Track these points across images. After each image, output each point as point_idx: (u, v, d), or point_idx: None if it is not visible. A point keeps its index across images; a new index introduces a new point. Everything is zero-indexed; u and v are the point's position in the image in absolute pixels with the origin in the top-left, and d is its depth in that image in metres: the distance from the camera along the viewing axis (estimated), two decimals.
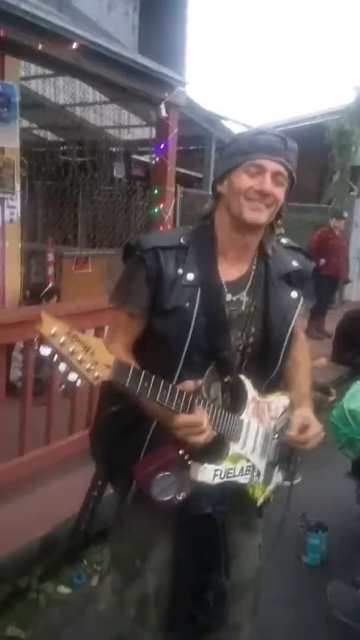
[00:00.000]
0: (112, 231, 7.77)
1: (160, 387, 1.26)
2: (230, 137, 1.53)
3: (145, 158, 7.19)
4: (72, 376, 1.15)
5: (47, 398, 3.14)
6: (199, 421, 1.30)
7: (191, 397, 1.31)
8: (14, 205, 4.87)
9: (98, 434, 1.62)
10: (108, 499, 1.71)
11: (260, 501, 1.55)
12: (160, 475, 1.36)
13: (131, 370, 1.21)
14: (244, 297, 1.50)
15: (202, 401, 1.34)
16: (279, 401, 1.57)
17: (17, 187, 4.89)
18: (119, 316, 1.51)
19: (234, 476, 1.46)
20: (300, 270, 1.58)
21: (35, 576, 2.55)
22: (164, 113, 4.08)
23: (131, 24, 4.33)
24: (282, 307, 1.52)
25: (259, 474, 1.52)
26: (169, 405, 1.28)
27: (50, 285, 4.95)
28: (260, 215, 1.42)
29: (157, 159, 4.88)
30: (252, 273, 1.52)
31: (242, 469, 1.48)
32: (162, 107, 4.05)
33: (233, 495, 1.51)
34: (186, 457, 1.37)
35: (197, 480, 1.38)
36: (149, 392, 1.24)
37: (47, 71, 5.54)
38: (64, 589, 2.61)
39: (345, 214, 7.73)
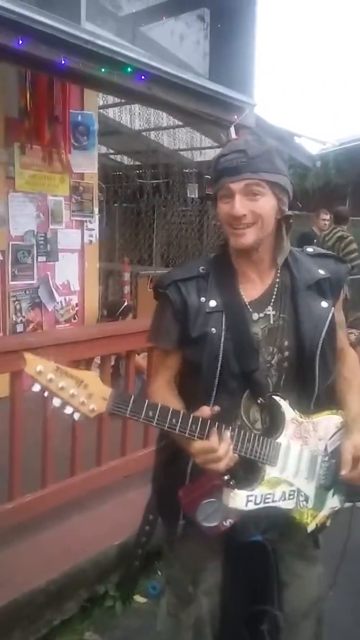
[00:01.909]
0: (186, 250, 7.94)
1: (169, 415, 1.27)
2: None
3: None
4: (68, 409, 1.20)
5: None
6: (215, 447, 1.28)
7: (208, 423, 1.30)
8: (93, 228, 5.12)
9: (154, 469, 1.65)
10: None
11: (311, 527, 1.48)
12: (205, 501, 1.36)
13: (131, 401, 1.24)
14: (270, 311, 1.47)
15: (222, 427, 1.31)
16: (328, 421, 1.50)
17: (96, 210, 5.14)
18: (157, 353, 1.58)
19: (274, 501, 1.40)
20: (329, 278, 1.51)
21: (112, 583, 2.65)
22: (233, 135, 4.18)
23: (202, 51, 4.47)
24: (313, 317, 1.46)
25: (306, 499, 1.46)
26: (182, 432, 1.28)
27: (126, 303, 5.13)
28: (244, 238, 1.40)
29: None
30: (276, 285, 1.49)
31: (283, 493, 1.42)
32: (232, 129, 4.15)
33: (282, 522, 1.46)
34: (231, 481, 1.36)
35: (229, 506, 1.36)
36: (155, 420, 1.26)
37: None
38: (139, 598, 2.67)
39: None
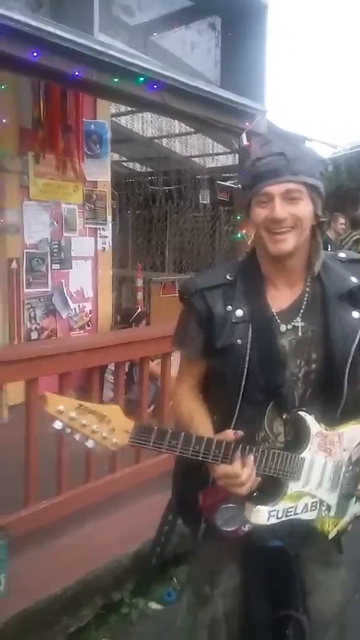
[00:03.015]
0: (198, 256, 7.96)
1: (193, 442, 1.28)
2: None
3: (229, 183, 7.33)
4: (90, 443, 1.23)
5: (137, 417, 3.27)
6: (238, 473, 1.28)
7: (231, 447, 1.29)
8: (106, 235, 5.16)
9: (174, 474, 1.65)
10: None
11: (332, 534, 1.48)
12: (224, 506, 1.36)
13: (154, 432, 1.25)
14: (299, 322, 1.42)
15: (246, 450, 1.31)
16: (354, 431, 1.48)
17: (109, 217, 5.18)
18: (181, 359, 1.56)
19: (295, 514, 1.40)
20: None
21: (127, 590, 2.65)
22: (245, 142, 4.19)
23: (213, 59, 4.50)
24: (343, 328, 1.41)
25: (329, 508, 1.45)
26: (205, 458, 1.29)
27: (139, 310, 5.16)
28: (285, 244, 1.36)
29: (239, 185, 4.99)
30: (306, 295, 1.44)
31: (305, 506, 1.41)
32: (244, 136, 4.17)
33: (303, 530, 1.45)
34: (254, 494, 1.36)
35: (250, 521, 1.37)
36: (179, 449, 1.27)
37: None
38: (155, 605, 2.68)
39: None
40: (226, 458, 1.29)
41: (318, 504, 1.43)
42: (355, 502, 1.51)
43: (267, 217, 1.35)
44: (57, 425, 1.21)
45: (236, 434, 1.32)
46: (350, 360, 1.41)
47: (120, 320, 5.05)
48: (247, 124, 4.20)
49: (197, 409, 1.47)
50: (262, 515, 1.36)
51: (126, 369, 3.60)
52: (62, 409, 1.20)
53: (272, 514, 1.36)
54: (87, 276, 5.06)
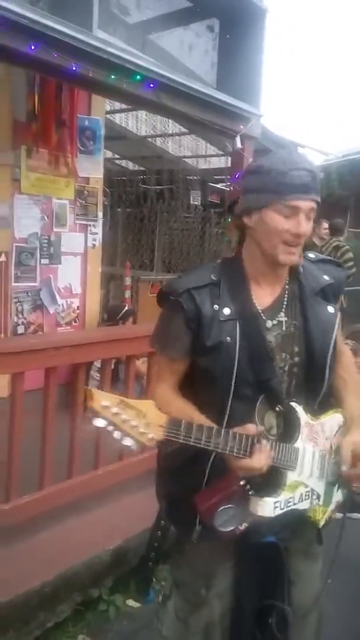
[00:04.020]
0: (187, 256, 7.97)
1: (222, 435, 1.29)
2: (256, 165, 1.46)
3: (221, 185, 7.36)
4: (127, 441, 1.21)
5: None
6: (260, 467, 1.33)
7: (251, 441, 1.32)
8: (96, 232, 5.15)
9: (158, 475, 1.64)
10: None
11: (322, 523, 1.53)
12: (224, 507, 1.37)
13: (183, 426, 1.24)
14: (282, 317, 1.50)
15: (264, 443, 1.34)
16: (333, 420, 1.56)
17: (100, 214, 5.17)
18: (161, 360, 1.55)
19: (294, 504, 1.45)
20: (332, 284, 1.56)
21: (105, 587, 2.65)
22: (239, 145, 4.21)
23: (210, 61, 4.51)
24: (321, 322, 1.51)
25: (318, 497, 1.51)
26: (230, 452, 1.30)
27: (126, 308, 5.15)
28: (295, 257, 1.44)
29: (231, 188, 5.01)
30: (286, 292, 1.52)
31: (301, 495, 1.47)
32: (238, 139, 4.18)
33: (294, 522, 1.50)
34: (247, 487, 1.39)
35: (257, 514, 1.39)
36: (203, 442, 1.27)
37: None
38: (132, 603, 2.69)
39: None
40: (246, 452, 1.32)
41: (310, 493, 1.49)
42: (337, 489, 1.57)
43: (289, 230, 1.39)
44: (100, 422, 1.19)
45: (258, 428, 1.37)
46: (330, 352, 1.51)
47: (107, 318, 5.04)
48: (242, 127, 4.22)
49: (187, 404, 1.47)
50: (269, 507, 1.40)
51: (112, 367, 3.60)
52: (108, 404, 1.19)
53: (276, 505, 1.41)
54: (76, 272, 5.05)
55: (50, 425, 2.79)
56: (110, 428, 1.20)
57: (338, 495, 1.58)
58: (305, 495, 1.48)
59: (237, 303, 1.45)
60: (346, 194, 10.18)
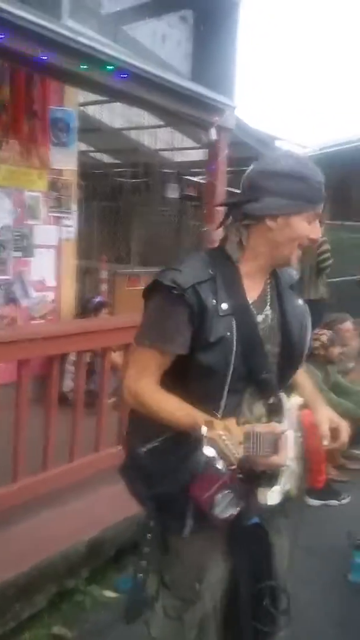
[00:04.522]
0: (164, 250, 7.96)
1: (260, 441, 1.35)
2: (288, 169, 1.47)
3: (198, 178, 7.36)
4: (219, 464, 1.25)
5: (98, 408, 3.27)
6: (284, 462, 1.42)
7: (277, 439, 1.40)
8: (71, 225, 5.11)
9: (138, 477, 1.57)
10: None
11: (295, 496, 1.60)
12: (222, 493, 1.37)
13: (252, 438, 1.30)
14: (268, 311, 1.55)
15: (283, 437, 1.42)
16: (295, 401, 1.64)
17: (74, 207, 5.12)
18: (147, 354, 1.48)
19: (285, 486, 1.52)
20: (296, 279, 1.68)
21: (82, 578, 2.66)
22: (214, 136, 4.22)
23: (184, 52, 4.51)
24: (297, 314, 1.60)
25: (293, 473, 1.57)
26: (261, 454, 1.37)
27: (98, 299, 5.12)
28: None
29: (207, 180, 5.02)
30: (268, 286, 1.58)
31: (287, 477, 1.53)
32: (213, 130, 4.19)
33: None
34: (237, 471, 1.38)
35: (267, 504, 1.45)
36: (252, 449, 1.32)
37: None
38: (109, 593, 2.69)
39: None
40: (277, 449, 1.40)
41: (291, 472, 1.55)
42: (297, 464, 1.61)
43: (309, 236, 1.48)
44: (210, 452, 1.23)
45: (281, 427, 1.45)
46: (308, 341, 1.60)
47: (81, 311, 5.01)
48: (216, 118, 4.23)
49: (181, 400, 1.45)
50: (277, 495, 1.47)
51: (87, 359, 3.59)
52: (222, 433, 1.22)
53: (280, 491, 1.48)
54: (49, 265, 5.01)
55: (23, 418, 2.77)
56: (219, 457, 1.24)
57: (300, 468, 1.63)
58: (289, 475, 1.54)
59: (232, 298, 1.46)
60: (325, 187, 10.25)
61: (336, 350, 4.22)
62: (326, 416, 1.62)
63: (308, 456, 1.61)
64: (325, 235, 6.85)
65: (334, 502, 3.70)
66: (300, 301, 1.62)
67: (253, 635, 1.58)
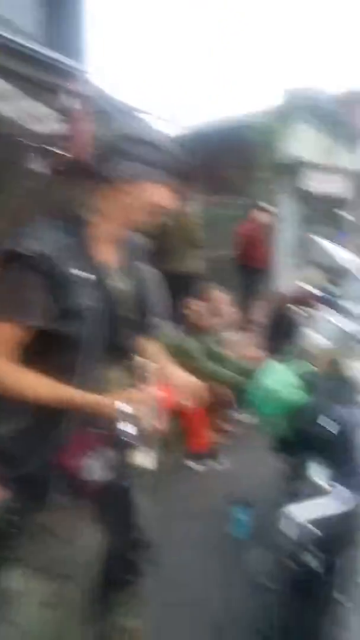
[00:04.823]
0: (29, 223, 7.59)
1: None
2: (151, 138, 1.47)
3: (61, 151, 7.11)
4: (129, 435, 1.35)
5: None
6: (159, 426, 1.46)
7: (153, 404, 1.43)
8: None
9: (0, 460, 1.46)
10: None
11: (175, 458, 1.74)
12: (93, 457, 1.39)
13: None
14: (124, 277, 1.53)
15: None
16: (152, 366, 1.63)
17: None
18: (5, 329, 1.37)
19: (155, 450, 1.55)
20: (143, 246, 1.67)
21: None
22: (66, 102, 4.04)
23: (31, 12, 4.27)
24: (147, 279, 1.61)
25: (162, 437, 1.59)
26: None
27: None
28: None
29: (69, 151, 4.84)
30: (124, 254, 1.57)
31: (156, 440, 1.54)
32: (63, 95, 3.99)
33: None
34: (108, 435, 1.38)
35: (147, 467, 1.49)
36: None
37: None
38: None
39: (270, 208, 7.86)
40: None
41: (158, 435, 1.55)
42: (170, 427, 1.66)
43: (162, 204, 1.50)
44: (130, 428, 1.35)
45: (151, 392, 1.49)
46: (160, 308, 1.64)
47: None
48: (69, 84, 4.04)
49: (41, 376, 1.39)
50: (153, 459, 1.50)
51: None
52: (137, 406, 1.39)
53: (152, 454, 1.52)
54: None
55: None
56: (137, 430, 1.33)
57: None
58: (158, 439, 1.55)
59: (89, 265, 1.41)
60: (197, 164, 10.40)
61: (209, 321, 4.31)
62: (181, 378, 1.67)
63: (184, 421, 1.65)
64: (198, 211, 6.97)
65: (215, 465, 3.81)
66: (148, 267, 1.63)
67: (120, 585, 1.64)
